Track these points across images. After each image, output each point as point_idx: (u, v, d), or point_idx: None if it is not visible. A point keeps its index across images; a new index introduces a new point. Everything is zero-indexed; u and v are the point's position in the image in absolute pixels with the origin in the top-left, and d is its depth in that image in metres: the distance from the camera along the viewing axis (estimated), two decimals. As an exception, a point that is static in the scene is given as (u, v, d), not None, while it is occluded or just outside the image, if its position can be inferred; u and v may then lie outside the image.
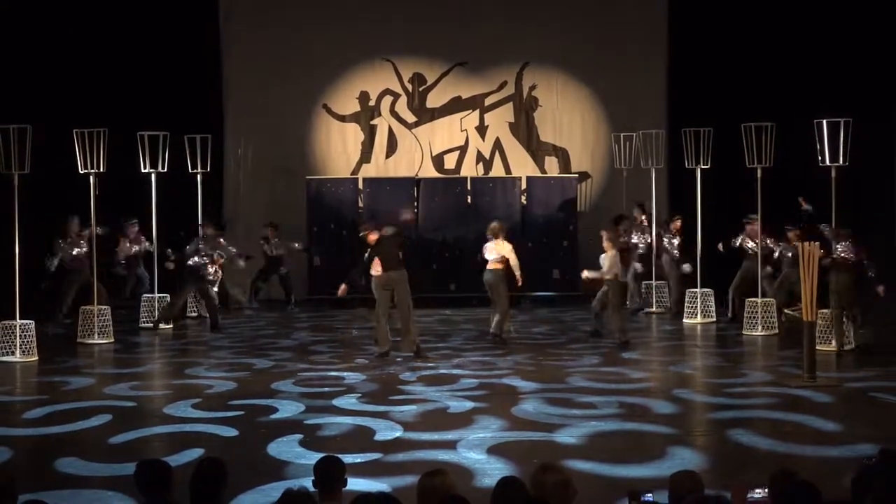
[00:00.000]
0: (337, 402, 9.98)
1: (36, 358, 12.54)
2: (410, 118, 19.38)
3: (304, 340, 14.06)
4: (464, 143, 19.40)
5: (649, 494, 4.86)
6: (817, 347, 11.30)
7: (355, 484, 6.04)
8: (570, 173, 19.06)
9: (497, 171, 19.21)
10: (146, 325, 15.14)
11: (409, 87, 19.34)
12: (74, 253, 15.20)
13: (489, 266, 13.56)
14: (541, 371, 11.55)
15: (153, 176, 15.34)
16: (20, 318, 12.47)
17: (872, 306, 12.86)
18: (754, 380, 11.12)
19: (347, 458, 6.06)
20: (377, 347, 12.47)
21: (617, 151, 17.98)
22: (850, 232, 12.60)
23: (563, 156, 19.39)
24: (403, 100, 19.37)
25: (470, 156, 19.37)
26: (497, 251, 13.50)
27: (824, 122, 12.89)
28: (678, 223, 16.26)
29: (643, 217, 16.78)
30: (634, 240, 16.57)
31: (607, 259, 13.43)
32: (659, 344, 14.15)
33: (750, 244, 15.08)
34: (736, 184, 15.36)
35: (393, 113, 19.35)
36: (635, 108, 18.70)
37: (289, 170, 18.74)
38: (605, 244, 13.53)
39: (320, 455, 5.71)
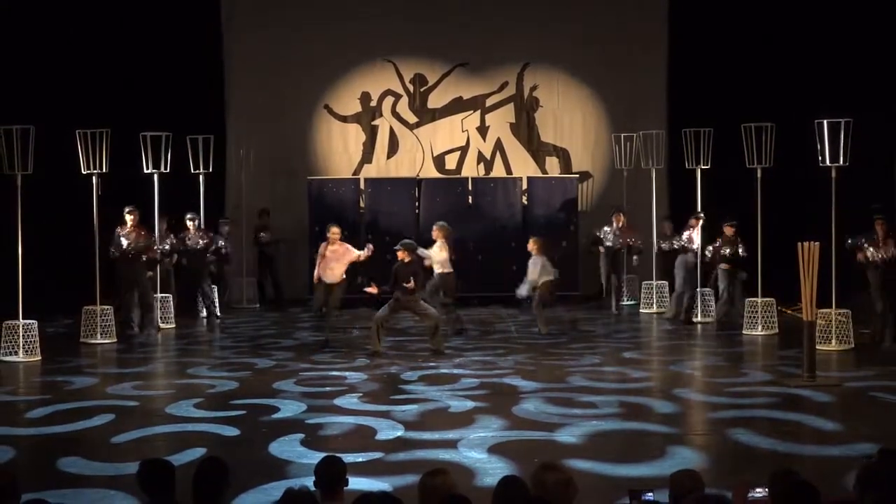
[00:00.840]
0: (338, 401, 10.02)
1: (39, 358, 12.59)
2: (412, 119, 19.43)
3: (305, 340, 14.11)
4: (465, 143, 19.44)
5: (650, 493, 4.89)
6: (819, 347, 11.38)
7: (357, 483, 6.07)
8: (571, 173, 19.11)
9: (498, 171, 19.27)
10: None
11: (411, 87, 19.39)
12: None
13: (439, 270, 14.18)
14: (541, 371, 11.59)
15: (155, 176, 15.38)
16: (23, 318, 12.52)
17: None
18: (754, 379, 11.15)
19: (349, 458, 6.12)
20: (371, 346, 12.70)
21: (617, 152, 18.04)
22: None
23: (563, 156, 19.44)
24: (405, 100, 19.42)
25: (471, 156, 19.42)
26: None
27: (825, 122, 12.93)
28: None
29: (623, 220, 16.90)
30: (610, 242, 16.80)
31: (535, 264, 14.13)
32: (659, 343, 14.20)
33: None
34: (736, 184, 15.40)
35: (394, 113, 19.40)
36: (636, 109, 18.77)
37: (290, 170, 18.78)
38: (532, 248, 14.26)
39: (322, 454, 5.74)
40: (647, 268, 17.15)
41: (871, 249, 12.94)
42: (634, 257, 17.24)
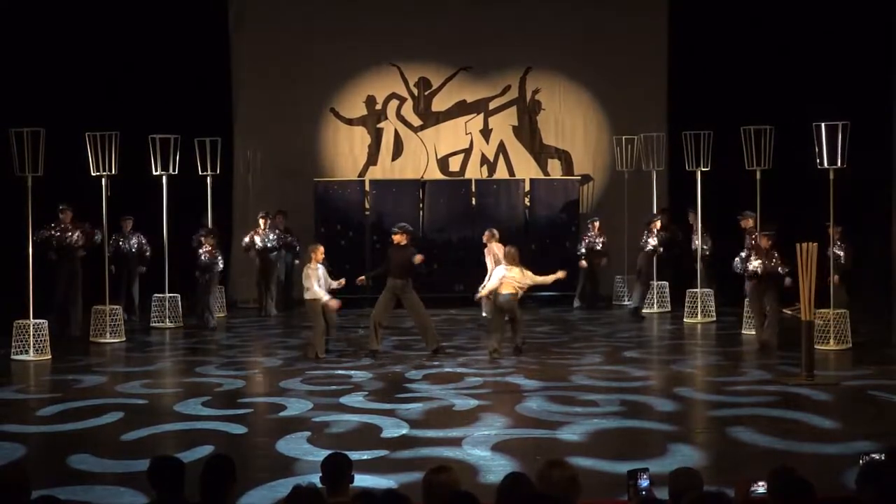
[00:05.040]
0: (344, 399, 10.11)
1: (49, 356, 12.71)
2: (416, 121, 19.56)
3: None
4: (468, 145, 19.57)
5: (646, 480, 5.01)
6: (818, 347, 11.48)
7: (362, 480, 6.22)
8: (573, 175, 19.25)
9: (501, 173, 19.40)
10: (156, 324, 15.39)
11: (415, 91, 19.52)
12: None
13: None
14: (544, 369, 11.69)
15: (164, 178, 15.55)
16: (34, 318, 12.64)
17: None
18: (753, 378, 11.23)
19: (354, 455, 6.13)
20: (370, 345, 12.74)
21: (618, 154, 18.16)
22: None
23: (565, 158, 19.56)
24: (409, 103, 19.54)
25: (474, 158, 19.55)
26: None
27: (822, 125, 13.04)
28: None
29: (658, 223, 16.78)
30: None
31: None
32: (659, 343, 14.30)
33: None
34: (735, 186, 15.51)
35: (399, 116, 19.53)
36: (636, 112, 18.86)
37: (297, 172, 18.89)
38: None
39: (328, 452, 5.74)
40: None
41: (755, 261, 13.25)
42: (604, 259, 17.38)
